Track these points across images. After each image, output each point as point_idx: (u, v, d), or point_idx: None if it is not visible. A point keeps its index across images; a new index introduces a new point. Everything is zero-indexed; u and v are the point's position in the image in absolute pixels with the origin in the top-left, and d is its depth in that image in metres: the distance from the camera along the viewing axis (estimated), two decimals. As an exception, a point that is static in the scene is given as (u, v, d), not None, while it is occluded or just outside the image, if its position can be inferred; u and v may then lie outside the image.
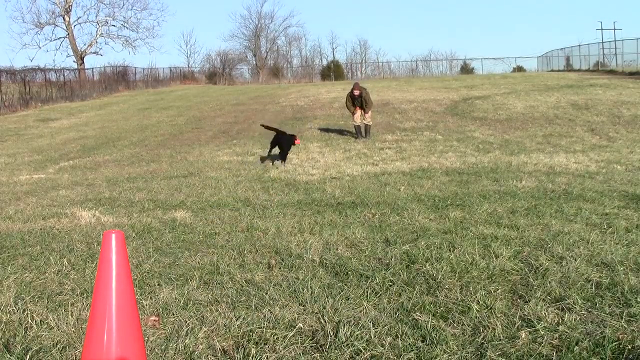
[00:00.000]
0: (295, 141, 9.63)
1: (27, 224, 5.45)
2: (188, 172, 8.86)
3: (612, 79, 24.04)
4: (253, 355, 2.61)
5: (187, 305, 3.19)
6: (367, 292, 3.34)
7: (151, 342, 2.75)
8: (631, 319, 2.86)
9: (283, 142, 9.60)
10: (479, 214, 5.28)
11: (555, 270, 3.59)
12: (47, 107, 25.97)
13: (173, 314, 3.07)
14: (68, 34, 42.12)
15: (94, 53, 44.34)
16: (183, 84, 41.64)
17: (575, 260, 3.76)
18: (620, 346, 2.58)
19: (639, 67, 29.46)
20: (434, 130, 13.67)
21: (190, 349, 2.69)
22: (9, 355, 2.63)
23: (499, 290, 3.30)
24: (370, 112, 12.70)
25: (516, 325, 2.84)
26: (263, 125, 10.73)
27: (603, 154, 9.71)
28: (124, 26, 45.11)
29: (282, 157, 9.58)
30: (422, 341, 2.72)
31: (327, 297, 3.27)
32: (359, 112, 12.64)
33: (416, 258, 3.92)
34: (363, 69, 56.97)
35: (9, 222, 5.57)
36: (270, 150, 9.86)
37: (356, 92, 12.69)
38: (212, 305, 3.18)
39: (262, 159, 10.06)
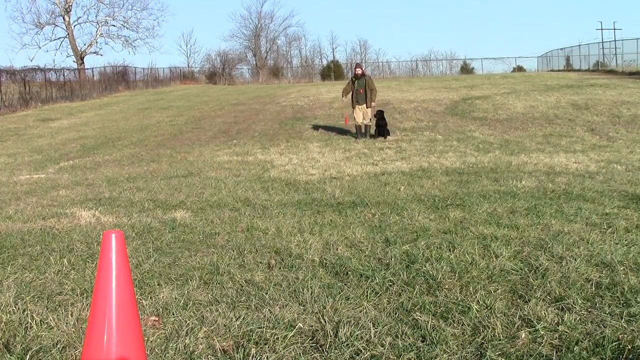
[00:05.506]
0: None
1: (27, 224, 5.45)
2: (188, 172, 8.86)
3: (612, 79, 24.04)
4: (253, 355, 2.61)
5: (187, 305, 3.19)
6: (367, 292, 3.34)
7: (151, 342, 2.75)
8: (631, 319, 2.86)
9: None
10: (479, 214, 5.28)
11: (555, 270, 3.59)
12: (47, 107, 25.97)
13: (173, 314, 3.07)
14: (68, 34, 42.12)
15: (94, 53, 44.41)
16: (183, 84, 41.65)
17: (575, 260, 3.76)
18: (620, 346, 2.59)
19: (639, 67, 29.46)
20: (434, 130, 13.67)
21: (190, 349, 2.69)
22: (9, 355, 2.63)
23: (499, 290, 3.30)
24: (371, 110, 12.68)
25: (516, 325, 2.84)
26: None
27: (603, 154, 9.71)
28: (124, 26, 45.17)
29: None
30: (422, 341, 2.72)
31: (327, 297, 3.27)
32: (360, 111, 12.62)
33: (416, 258, 3.92)
34: (363, 68, 56.91)
35: (9, 222, 5.57)
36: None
37: (358, 71, 12.68)
38: (212, 305, 3.18)
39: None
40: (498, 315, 2.95)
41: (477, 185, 6.87)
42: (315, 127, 14.70)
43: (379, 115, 12.77)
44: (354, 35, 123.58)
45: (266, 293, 3.36)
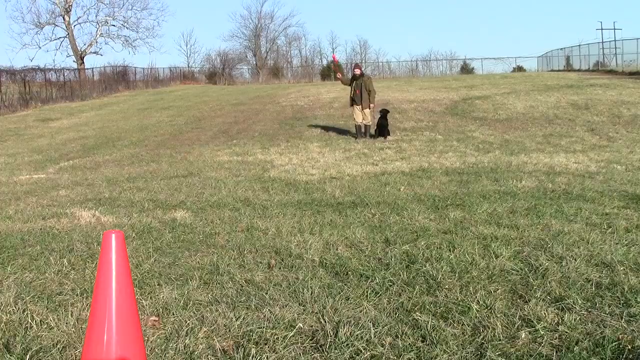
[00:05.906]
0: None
1: (27, 224, 5.45)
2: (188, 172, 8.86)
3: (612, 79, 24.03)
4: (253, 355, 2.61)
5: (187, 305, 3.19)
6: (367, 292, 3.34)
7: (151, 342, 2.75)
8: (631, 319, 2.86)
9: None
10: (479, 214, 5.28)
11: (555, 270, 3.59)
12: (47, 107, 25.97)
13: (173, 314, 3.07)
14: (68, 34, 42.11)
15: (94, 53, 44.38)
16: (183, 84, 41.63)
17: (575, 260, 3.76)
18: (620, 346, 2.59)
19: (639, 67, 29.45)
20: (434, 130, 13.67)
21: (190, 349, 2.69)
22: (9, 355, 2.63)
23: (499, 290, 3.30)
24: (369, 110, 12.62)
25: (516, 325, 2.84)
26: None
27: (603, 154, 9.71)
28: (124, 26, 45.15)
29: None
30: (422, 341, 2.72)
31: (327, 297, 3.27)
32: (358, 111, 12.61)
33: (416, 258, 3.92)
34: (363, 68, 57.07)
35: (9, 222, 5.57)
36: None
37: (357, 71, 12.65)
38: (212, 305, 3.18)
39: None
40: (498, 315, 2.95)
41: (477, 185, 6.87)
42: (315, 127, 14.69)
43: (383, 114, 12.72)
44: (354, 35, 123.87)
45: (266, 293, 3.36)
